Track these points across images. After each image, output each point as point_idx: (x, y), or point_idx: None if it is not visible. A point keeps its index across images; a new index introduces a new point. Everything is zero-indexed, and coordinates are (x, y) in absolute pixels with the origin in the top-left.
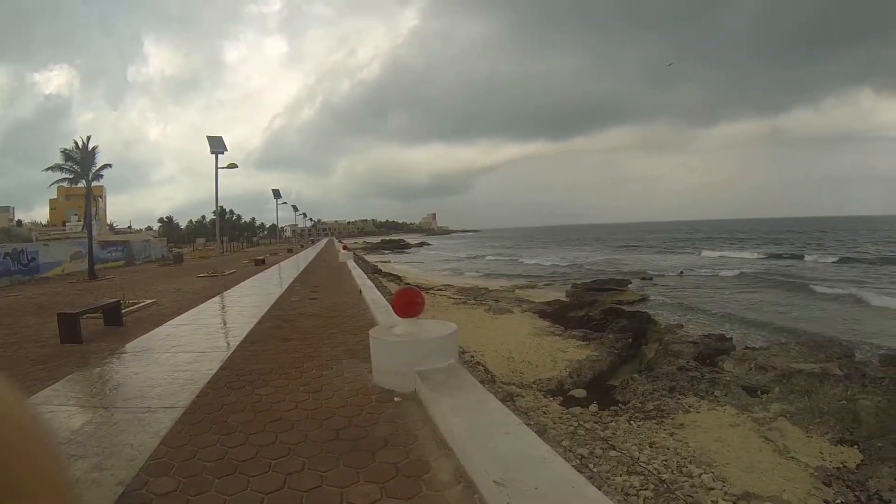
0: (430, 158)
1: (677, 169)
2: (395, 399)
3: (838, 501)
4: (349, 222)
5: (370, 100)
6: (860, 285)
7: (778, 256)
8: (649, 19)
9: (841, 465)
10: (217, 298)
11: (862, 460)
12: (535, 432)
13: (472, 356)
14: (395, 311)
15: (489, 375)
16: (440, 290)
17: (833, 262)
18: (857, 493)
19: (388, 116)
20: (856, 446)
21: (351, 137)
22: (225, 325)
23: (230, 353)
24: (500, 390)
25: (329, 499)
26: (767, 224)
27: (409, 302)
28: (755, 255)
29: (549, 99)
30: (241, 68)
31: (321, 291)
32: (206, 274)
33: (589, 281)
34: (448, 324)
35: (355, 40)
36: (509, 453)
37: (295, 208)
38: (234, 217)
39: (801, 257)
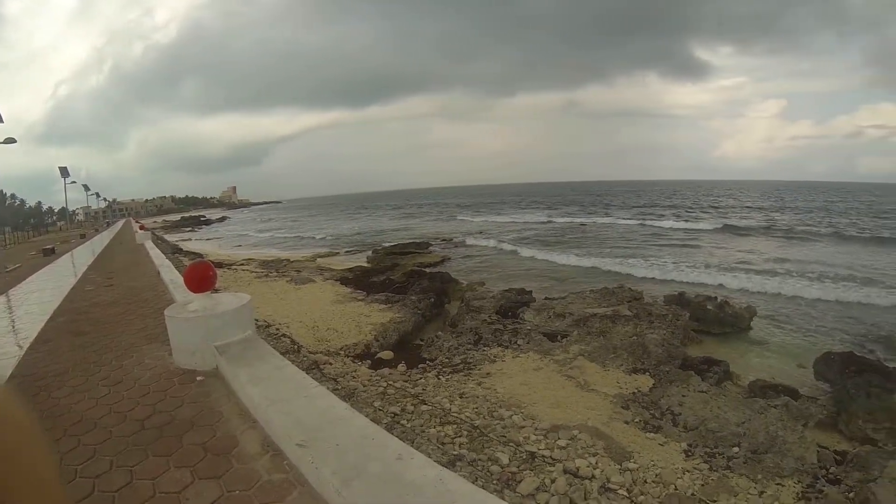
0: (227, 129)
1: (479, 135)
2: (198, 378)
3: (636, 420)
4: (147, 200)
5: (165, 66)
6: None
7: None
8: None
9: (636, 391)
10: (0, 299)
11: (654, 384)
12: (343, 395)
13: (278, 329)
14: (188, 287)
15: (295, 346)
16: (242, 264)
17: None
18: (651, 412)
19: (184, 84)
20: (647, 373)
21: (143, 107)
22: (12, 327)
23: (20, 358)
24: (305, 359)
25: (141, 493)
26: (567, 187)
27: (201, 276)
28: (537, 219)
29: (348, 67)
30: (22, 24)
31: (118, 277)
32: None
33: (390, 245)
34: (241, 295)
35: None
36: (310, 416)
37: (86, 188)
38: (17, 202)
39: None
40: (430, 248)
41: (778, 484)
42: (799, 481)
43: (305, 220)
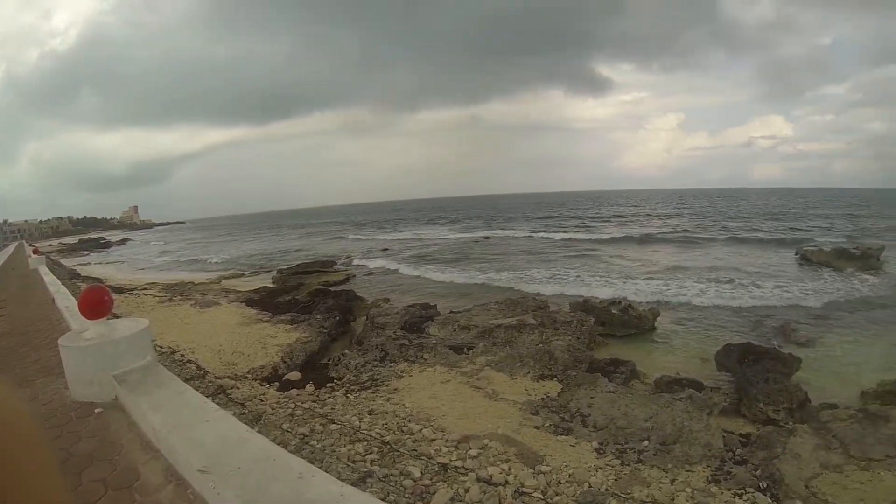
0: (128, 144)
1: (384, 152)
2: (96, 410)
3: (547, 424)
4: (41, 221)
5: (62, 74)
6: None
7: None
8: (359, 13)
9: (545, 396)
10: None
11: (562, 389)
12: (250, 419)
13: (183, 355)
14: (83, 314)
15: (200, 371)
16: (145, 289)
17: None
18: (561, 415)
19: (83, 95)
20: (555, 378)
21: (38, 118)
22: None
23: None
24: (211, 384)
25: None
26: (473, 201)
27: (96, 302)
28: (441, 234)
29: (252, 81)
30: None
31: (9, 306)
32: None
33: (295, 265)
34: (139, 320)
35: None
36: (211, 441)
37: None
38: None
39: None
40: (335, 267)
41: (688, 471)
42: (708, 466)
43: (210, 241)
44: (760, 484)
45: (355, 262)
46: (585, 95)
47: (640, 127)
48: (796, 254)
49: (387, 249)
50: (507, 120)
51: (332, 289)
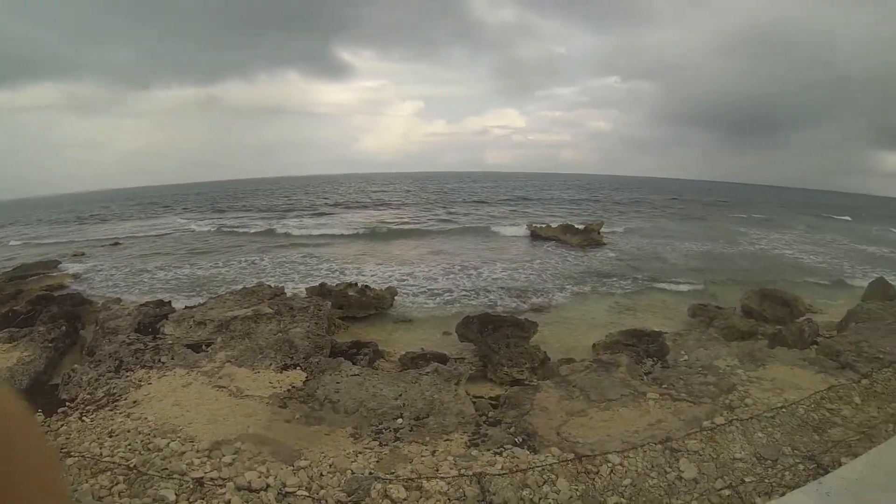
0: None
1: (121, 132)
2: None
3: (297, 416)
4: None
5: None
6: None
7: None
8: None
9: (291, 387)
10: None
11: (307, 377)
12: None
13: None
14: None
15: None
16: None
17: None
18: (310, 405)
19: None
20: (298, 367)
21: None
22: None
23: None
24: None
25: None
26: (210, 187)
27: None
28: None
29: None
30: None
31: None
32: None
33: (10, 270)
34: None
35: None
36: None
37: None
38: None
39: None
40: (59, 267)
41: (447, 440)
42: (464, 432)
43: None
44: (516, 440)
45: (83, 260)
46: (326, 80)
47: (381, 113)
48: (527, 231)
49: (118, 244)
50: (247, 102)
51: (56, 294)
